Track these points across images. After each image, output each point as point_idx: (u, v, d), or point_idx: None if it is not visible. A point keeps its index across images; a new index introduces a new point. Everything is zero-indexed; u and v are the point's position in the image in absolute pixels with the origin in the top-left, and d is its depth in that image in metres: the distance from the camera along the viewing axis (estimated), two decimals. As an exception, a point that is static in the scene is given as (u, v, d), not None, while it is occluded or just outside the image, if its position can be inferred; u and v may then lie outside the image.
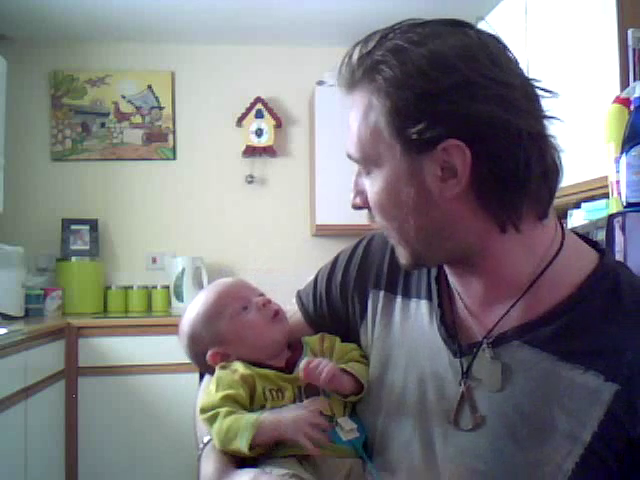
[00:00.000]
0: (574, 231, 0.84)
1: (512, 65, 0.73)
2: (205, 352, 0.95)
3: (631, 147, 1.42)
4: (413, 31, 0.73)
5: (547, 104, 0.74)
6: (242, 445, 0.82)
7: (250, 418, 0.84)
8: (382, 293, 0.92)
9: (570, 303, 0.75)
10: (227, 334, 0.94)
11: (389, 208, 0.76)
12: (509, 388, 0.75)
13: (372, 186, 0.77)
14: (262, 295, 0.99)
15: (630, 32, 1.96)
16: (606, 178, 1.60)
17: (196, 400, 0.97)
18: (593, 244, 0.82)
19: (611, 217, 1.42)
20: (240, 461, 0.85)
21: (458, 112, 0.69)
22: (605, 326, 0.72)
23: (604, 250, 0.81)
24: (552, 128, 0.74)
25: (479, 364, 0.78)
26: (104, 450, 3.02)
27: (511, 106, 0.70)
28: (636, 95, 1.47)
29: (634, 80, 1.92)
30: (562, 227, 0.81)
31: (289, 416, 0.83)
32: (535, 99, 0.73)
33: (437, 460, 0.78)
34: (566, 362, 0.72)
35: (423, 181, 0.72)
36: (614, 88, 1.93)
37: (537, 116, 0.73)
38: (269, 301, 0.98)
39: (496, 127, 0.69)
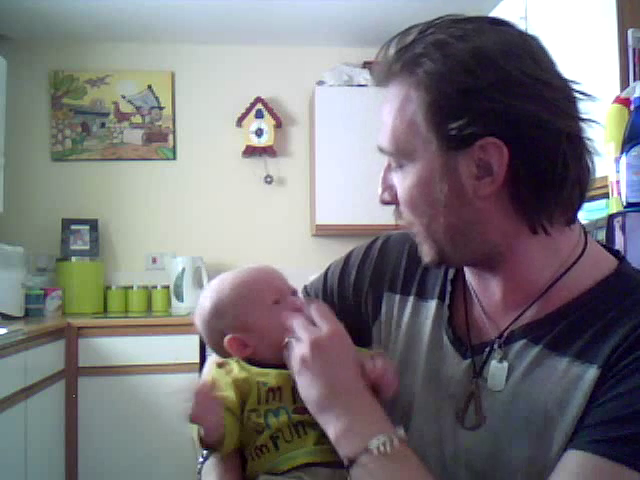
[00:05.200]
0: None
1: (552, 65, 0.73)
2: (221, 330, 0.90)
3: (631, 147, 1.42)
4: (455, 26, 0.72)
5: (584, 107, 0.73)
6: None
7: None
8: (398, 297, 0.90)
9: (578, 303, 0.75)
10: (253, 323, 0.89)
11: (420, 204, 0.74)
12: (510, 387, 0.75)
13: (403, 180, 0.75)
14: (295, 294, 0.93)
15: (630, 32, 1.96)
16: (606, 178, 1.60)
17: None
18: (615, 252, 0.81)
19: (611, 217, 1.43)
20: (243, 478, 0.84)
21: (499, 110, 0.68)
22: (609, 324, 0.72)
23: (624, 258, 0.80)
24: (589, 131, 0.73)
25: (489, 364, 0.78)
26: (104, 450, 3.02)
27: (552, 106, 0.69)
28: (636, 95, 1.47)
29: (634, 80, 1.92)
30: (585, 234, 0.80)
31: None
32: (574, 101, 0.72)
33: (445, 459, 0.78)
34: (566, 359, 0.72)
35: (458, 178, 0.71)
36: (614, 88, 1.93)
37: (576, 118, 0.72)
38: (303, 305, 0.89)
39: (536, 127, 0.68)
